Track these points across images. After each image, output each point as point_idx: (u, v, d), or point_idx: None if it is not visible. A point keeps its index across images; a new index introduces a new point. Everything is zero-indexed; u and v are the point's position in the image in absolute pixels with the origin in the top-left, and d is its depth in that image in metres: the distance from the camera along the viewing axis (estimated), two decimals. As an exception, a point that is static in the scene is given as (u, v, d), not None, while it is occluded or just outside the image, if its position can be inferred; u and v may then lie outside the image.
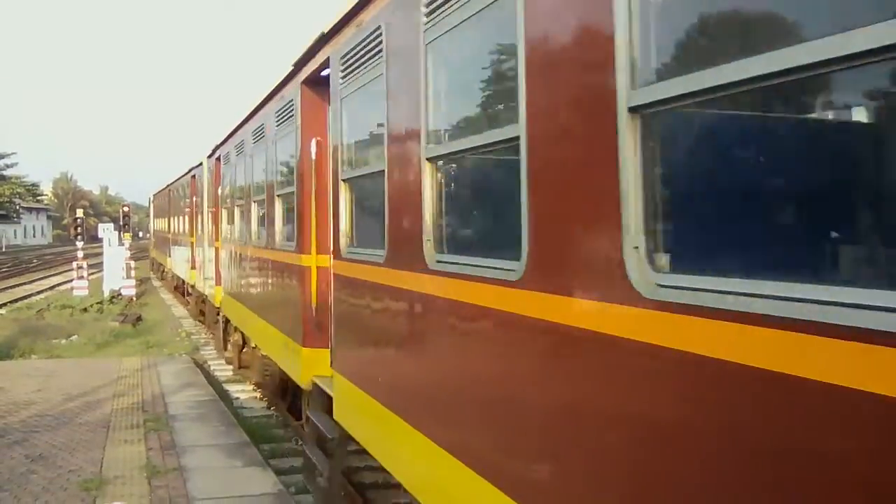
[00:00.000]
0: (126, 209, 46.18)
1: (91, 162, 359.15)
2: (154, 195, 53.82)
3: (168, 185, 40.50)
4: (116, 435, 12.03)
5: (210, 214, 21.61)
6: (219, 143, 19.69)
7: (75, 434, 12.11)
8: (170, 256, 39.56)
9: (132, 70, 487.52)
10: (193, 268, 27.89)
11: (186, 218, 30.01)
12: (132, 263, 38.93)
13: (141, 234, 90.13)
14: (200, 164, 24.86)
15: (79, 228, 39.92)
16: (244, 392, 17.22)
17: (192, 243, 28.12)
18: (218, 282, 19.54)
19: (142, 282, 44.41)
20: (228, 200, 17.61)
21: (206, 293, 23.71)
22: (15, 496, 9.25)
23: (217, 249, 19.93)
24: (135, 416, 13.22)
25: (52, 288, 44.59)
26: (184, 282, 33.56)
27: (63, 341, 24.39)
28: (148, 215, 66.64)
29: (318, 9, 9.46)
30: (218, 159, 19.88)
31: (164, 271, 47.18)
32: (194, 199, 27.27)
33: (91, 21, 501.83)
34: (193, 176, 27.68)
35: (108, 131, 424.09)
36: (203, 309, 27.37)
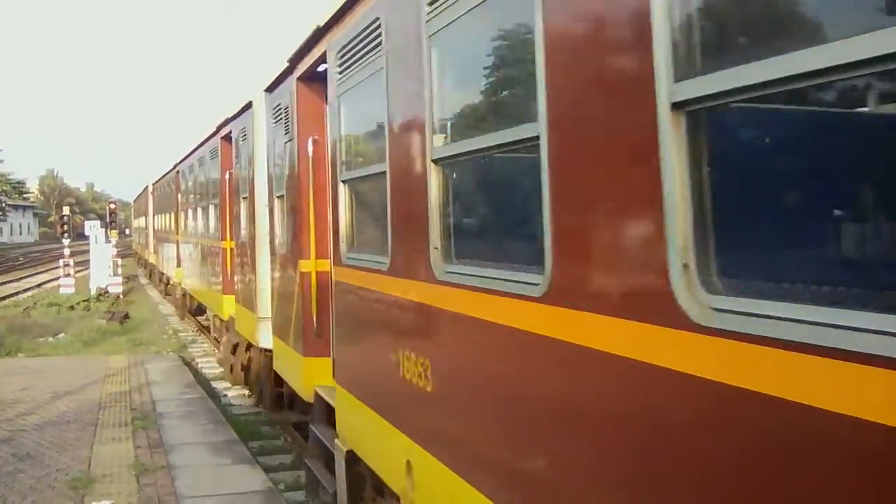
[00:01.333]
0: (112, 206, 45.97)
1: (77, 159, 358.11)
2: (154, 183, 40.41)
3: (176, 165, 28.02)
4: (104, 433, 12.00)
5: (288, 203, 10.55)
6: (331, 16, 7.62)
7: (63, 432, 12.08)
8: (180, 265, 26.88)
9: (118, 67, 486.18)
10: (229, 293, 16.26)
11: (211, 211, 18.94)
12: (119, 261, 38.79)
13: (127, 231, 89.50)
14: (245, 109, 13.95)
15: (65, 226, 39.84)
16: (232, 390, 17.19)
17: (225, 252, 16.68)
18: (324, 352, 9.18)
19: (128, 279, 44.26)
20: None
21: (277, 366, 11.98)
22: (2, 495, 9.23)
23: (315, 277, 9.41)
24: (123, 415, 13.20)
25: (38, 286, 44.41)
26: (222, 322, 18.48)
27: (50, 339, 24.29)
28: (144, 212, 48.17)
29: (305, 8, 9.16)
30: (311, 79, 9.32)
31: (167, 284, 35.32)
32: (228, 175, 16.30)
33: (78, 18, 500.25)
34: (228, 137, 16.34)
35: (94, 128, 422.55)
36: (272, 386, 13.49)
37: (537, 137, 3.82)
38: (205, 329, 24.78)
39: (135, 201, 64.49)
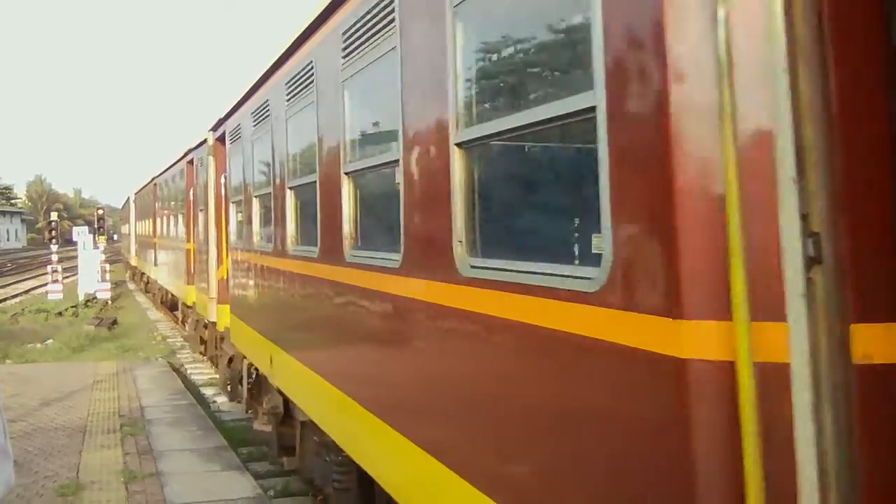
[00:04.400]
0: (101, 212, 45.85)
1: (65, 165, 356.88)
2: (227, 121, 13.50)
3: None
4: (93, 440, 11.96)
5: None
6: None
7: (51, 439, 12.03)
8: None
9: (105, 73, 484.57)
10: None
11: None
12: (107, 266, 38.67)
13: (116, 237, 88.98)
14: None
15: (53, 232, 39.70)
16: (221, 396, 17.15)
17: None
18: None
19: (117, 285, 44.11)
20: None
21: None
22: (-11, 503, 9.18)
23: None
24: (111, 421, 13.15)
25: (26, 292, 44.18)
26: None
27: (38, 346, 24.18)
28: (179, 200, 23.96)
29: (290, 13, 9.24)
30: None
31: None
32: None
33: (66, 24, 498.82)
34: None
35: (82, 135, 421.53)
36: None
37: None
38: None
39: (136, 194, 41.87)
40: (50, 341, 24.92)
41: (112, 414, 13.73)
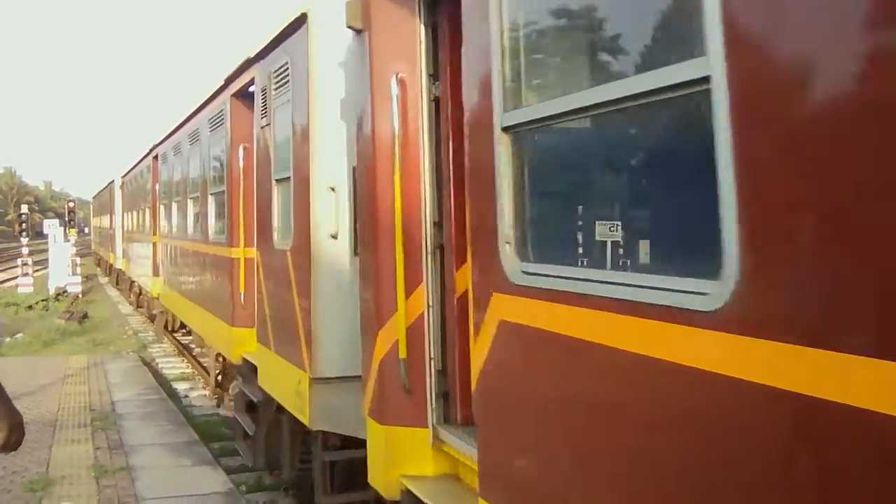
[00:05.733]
0: (72, 205, 45.55)
1: (35, 157, 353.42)
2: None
3: None
4: (63, 434, 11.89)
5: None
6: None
7: (21, 434, 11.93)
8: None
9: (76, 62, 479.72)
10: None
11: None
12: (78, 260, 38.39)
13: (87, 229, 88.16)
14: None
15: (24, 224, 39.34)
16: (193, 390, 17.10)
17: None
18: None
19: (88, 278, 43.80)
20: None
21: None
22: (-43, 498, 9.12)
23: None
24: (82, 415, 13.08)
25: (-5, 285, 43.80)
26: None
27: (8, 339, 23.97)
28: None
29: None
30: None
31: None
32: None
33: (33, 12, 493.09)
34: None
35: (52, 127, 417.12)
36: None
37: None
38: None
39: (124, 177, 32.20)
40: (20, 335, 24.71)
41: (83, 408, 13.65)
